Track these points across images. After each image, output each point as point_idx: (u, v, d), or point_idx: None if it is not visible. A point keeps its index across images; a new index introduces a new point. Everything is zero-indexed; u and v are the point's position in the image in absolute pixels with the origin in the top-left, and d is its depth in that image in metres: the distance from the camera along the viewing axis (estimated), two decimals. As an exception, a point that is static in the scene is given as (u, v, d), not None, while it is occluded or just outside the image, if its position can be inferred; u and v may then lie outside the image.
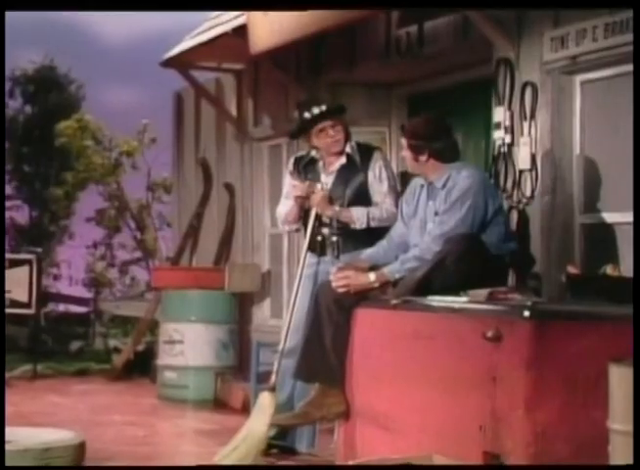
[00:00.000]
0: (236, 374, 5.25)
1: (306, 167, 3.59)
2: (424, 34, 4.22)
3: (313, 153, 3.55)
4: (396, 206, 3.38)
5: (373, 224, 3.42)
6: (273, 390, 3.37)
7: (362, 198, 3.45)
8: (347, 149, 3.49)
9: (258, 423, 3.28)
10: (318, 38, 4.51)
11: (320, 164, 3.55)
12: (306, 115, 3.49)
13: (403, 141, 3.16)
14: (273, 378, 3.40)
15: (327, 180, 3.52)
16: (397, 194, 3.49)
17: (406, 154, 3.15)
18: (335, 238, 3.49)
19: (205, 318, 5.27)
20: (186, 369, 5.20)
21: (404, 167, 3.72)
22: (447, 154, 3.11)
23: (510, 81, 3.72)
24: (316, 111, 3.46)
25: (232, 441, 3.29)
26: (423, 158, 3.09)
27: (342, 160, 3.49)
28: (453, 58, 4.20)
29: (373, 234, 3.37)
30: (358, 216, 3.44)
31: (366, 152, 3.51)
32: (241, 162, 5.81)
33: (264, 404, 3.31)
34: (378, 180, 3.46)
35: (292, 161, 3.71)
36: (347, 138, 3.49)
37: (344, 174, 3.49)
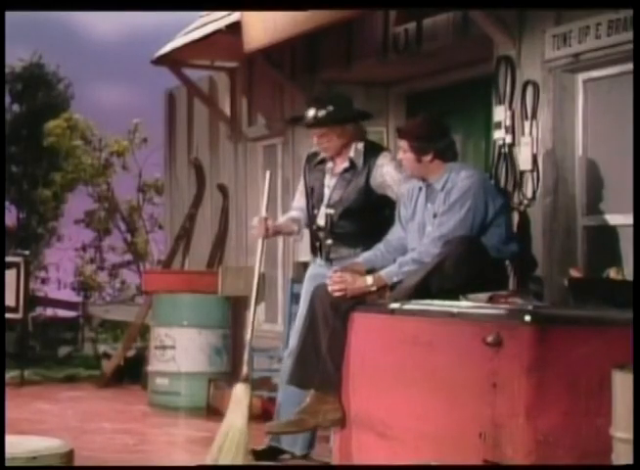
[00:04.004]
0: (229, 380, 5.17)
1: (317, 166, 3.52)
2: (422, 31, 4.19)
3: (323, 153, 3.49)
4: None
5: None
6: (246, 381, 3.38)
7: (361, 201, 3.38)
8: (351, 153, 3.41)
9: (237, 416, 3.27)
10: (314, 36, 4.46)
11: (329, 164, 3.48)
12: (305, 113, 3.43)
13: (403, 144, 3.09)
14: (245, 369, 3.42)
15: (330, 183, 3.46)
16: None
17: (406, 156, 3.09)
18: (329, 241, 3.43)
19: (198, 323, 5.21)
20: (178, 375, 5.14)
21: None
22: (449, 153, 3.06)
23: (511, 80, 3.68)
24: (310, 113, 3.37)
25: (215, 441, 3.29)
26: (427, 158, 3.04)
27: (346, 163, 3.42)
28: (452, 55, 4.17)
29: (367, 237, 3.31)
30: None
31: (371, 153, 3.41)
32: (235, 162, 5.75)
33: (240, 396, 3.32)
34: (397, 181, 3.31)
35: (305, 157, 3.65)
36: (348, 142, 3.38)
37: (346, 178, 3.42)
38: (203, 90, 5.89)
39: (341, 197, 3.40)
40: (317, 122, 3.35)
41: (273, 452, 3.54)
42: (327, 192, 3.44)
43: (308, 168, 3.55)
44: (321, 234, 3.45)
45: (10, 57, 9.13)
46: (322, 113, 3.34)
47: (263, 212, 3.53)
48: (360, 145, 3.42)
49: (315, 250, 3.49)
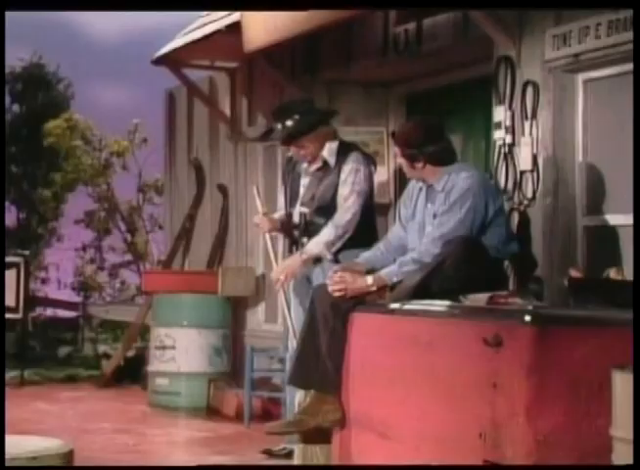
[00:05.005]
0: (229, 380, 5.18)
1: (295, 167, 3.60)
2: (422, 32, 4.18)
3: (303, 161, 3.56)
4: (359, 206, 3.37)
5: (335, 247, 3.40)
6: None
7: (333, 199, 3.44)
8: (324, 152, 3.47)
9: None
10: (314, 36, 4.46)
11: (304, 164, 3.55)
12: (274, 125, 3.49)
13: (396, 149, 3.11)
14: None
15: (305, 182, 3.53)
16: (364, 198, 3.43)
17: (401, 161, 3.12)
18: (304, 239, 3.50)
19: (198, 323, 5.21)
20: (178, 375, 5.14)
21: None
22: (443, 157, 3.07)
23: (511, 80, 3.68)
24: (278, 127, 3.44)
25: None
26: (419, 165, 3.06)
27: (319, 162, 3.49)
28: (452, 56, 4.17)
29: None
30: (318, 250, 3.41)
31: (344, 153, 3.47)
32: (234, 162, 5.75)
33: None
34: (344, 183, 3.43)
35: (285, 161, 3.72)
36: (322, 144, 3.44)
37: (318, 176, 3.49)
38: (203, 90, 5.88)
39: (313, 195, 3.47)
40: (289, 136, 3.41)
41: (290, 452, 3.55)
42: (302, 191, 3.51)
43: (287, 171, 3.63)
44: (296, 233, 3.51)
45: (10, 57, 9.13)
46: (290, 123, 3.39)
47: (261, 210, 3.62)
48: (334, 144, 3.47)
49: (292, 249, 3.57)
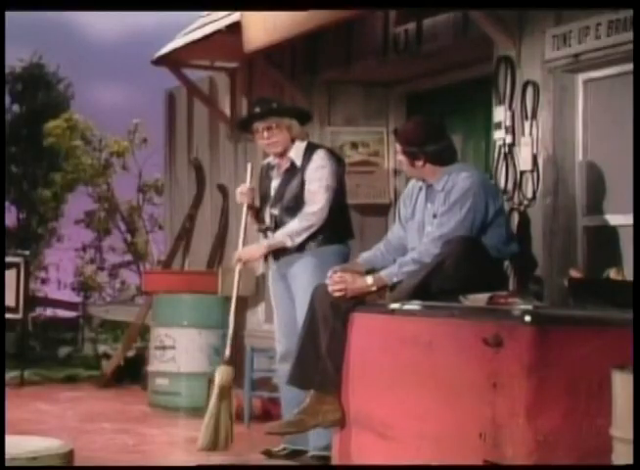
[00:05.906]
0: (228, 380, 5.16)
1: (267, 173, 3.65)
2: (422, 32, 4.19)
3: (270, 159, 3.61)
4: (327, 201, 3.40)
5: (300, 237, 3.43)
6: (229, 364, 3.57)
7: (300, 199, 3.47)
8: (291, 153, 3.49)
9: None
10: (314, 36, 4.46)
11: (275, 168, 3.59)
12: (253, 111, 3.57)
13: (398, 147, 3.13)
14: (227, 352, 3.61)
15: (274, 184, 3.57)
16: (332, 193, 3.45)
17: (401, 159, 3.14)
18: None
19: (198, 323, 5.20)
20: (178, 375, 5.14)
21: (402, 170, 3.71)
22: (444, 156, 3.07)
23: (511, 80, 3.68)
24: (257, 110, 3.50)
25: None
26: (419, 163, 3.06)
27: (287, 164, 3.52)
28: (452, 56, 4.17)
29: (312, 234, 3.41)
30: (282, 239, 3.46)
31: (310, 152, 3.50)
32: (235, 162, 5.75)
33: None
34: (310, 180, 3.45)
35: (260, 168, 3.78)
36: (292, 140, 3.48)
37: (287, 178, 3.52)
38: (203, 90, 5.88)
39: (281, 196, 3.50)
40: (268, 111, 3.45)
41: (293, 453, 3.56)
42: (272, 193, 3.55)
43: (261, 178, 3.66)
44: (269, 234, 3.55)
45: (10, 57, 9.12)
46: (268, 107, 3.48)
47: (248, 183, 3.65)
48: (302, 144, 3.50)
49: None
